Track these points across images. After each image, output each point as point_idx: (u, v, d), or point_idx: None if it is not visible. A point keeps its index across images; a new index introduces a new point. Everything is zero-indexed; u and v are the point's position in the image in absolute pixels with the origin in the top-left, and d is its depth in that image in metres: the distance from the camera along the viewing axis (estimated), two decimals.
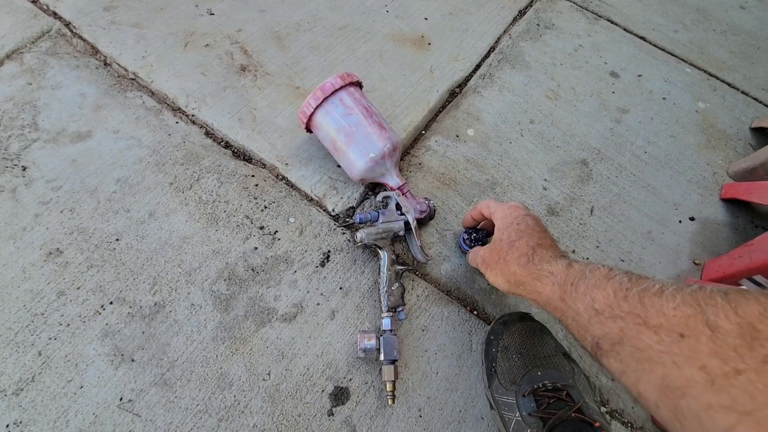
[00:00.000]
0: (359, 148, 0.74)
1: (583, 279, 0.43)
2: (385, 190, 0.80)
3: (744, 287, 0.77)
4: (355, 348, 0.70)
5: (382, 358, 0.64)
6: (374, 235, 0.72)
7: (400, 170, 0.87)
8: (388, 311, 0.68)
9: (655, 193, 0.94)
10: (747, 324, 0.28)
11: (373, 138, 0.74)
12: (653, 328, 0.34)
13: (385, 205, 0.77)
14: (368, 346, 0.64)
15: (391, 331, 0.66)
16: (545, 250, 0.53)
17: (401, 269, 0.72)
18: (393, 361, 0.64)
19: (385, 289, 0.69)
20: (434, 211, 0.80)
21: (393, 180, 0.78)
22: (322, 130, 0.78)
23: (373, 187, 0.85)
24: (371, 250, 0.78)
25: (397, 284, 0.70)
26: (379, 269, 0.71)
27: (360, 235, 0.72)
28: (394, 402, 0.64)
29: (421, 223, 0.80)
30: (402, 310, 0.69)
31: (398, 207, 0.75)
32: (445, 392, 0.68)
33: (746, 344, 0.27)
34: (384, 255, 0.71)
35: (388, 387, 0.64)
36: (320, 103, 0.74)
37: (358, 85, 0.80)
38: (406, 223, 0.74)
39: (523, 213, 0.59)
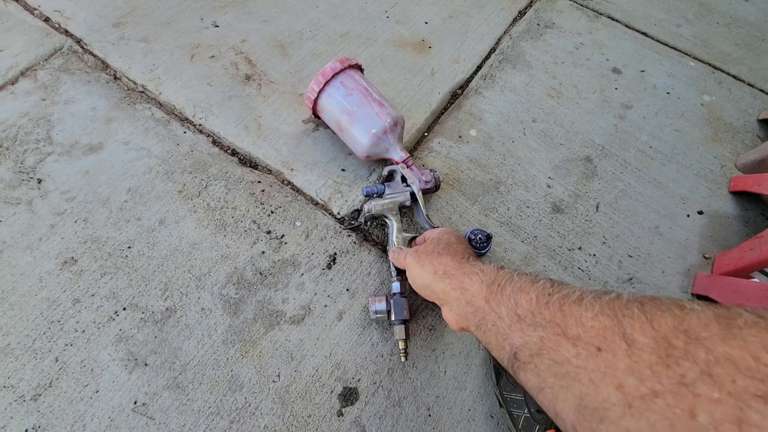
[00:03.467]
0: (362, 125, 0.78)
1: (510, 282, 0.41)
2: (390, 164, 0.83)
3: (756, 279, 0.76)
4: (363, 348, 0.70)
5: (393, 318, 0.67)
6: (381, 206, 0.75)
7: None
8: (398, 275, 0.70)
9: (661, 188, 0.94)
10: (662, 338, 0.26)
11: (374, 115, 0.78)
12: (571, 340, 0.32)
13: (391, 179, 0.80)
14: (379, 308, 0.67)
15: (401, 293, 0.68)
16: (479, 259, 0.55)
17: (409, 236, 0.74)
18: (403, 321, 0.66)
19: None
20: (440, 182, 0.82)
21: (397, 154, 0.81)
22: (327, 113, 0.82)
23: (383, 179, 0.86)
24: (378, 224, 0.82)
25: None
26: (388, 236, 0.74)
27: (367, 206, 0.75)
28: (407, 359, 0.67)
29: (427, 193, 0.82)
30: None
31: (403, 180, 0.79)
32: (454, 391, 0.69)
33: (662, 361, 0.26)
34: (392, 222, 0.74)
35: (401, 345, 0.67)
36: (323, 87, 0.79)
37: (358, 68, 0.84)
38: (412, 194, 0.77)
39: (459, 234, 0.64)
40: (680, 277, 0.83)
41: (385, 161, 0.87)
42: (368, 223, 0.82)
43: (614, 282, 0.81)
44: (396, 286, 0.69)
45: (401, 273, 0.70)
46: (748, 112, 1.09)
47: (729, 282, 0.77)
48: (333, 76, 0.78)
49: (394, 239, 0.73)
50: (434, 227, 0.76)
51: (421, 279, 0.55)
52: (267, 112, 0.94)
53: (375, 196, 0.78)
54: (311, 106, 0.82)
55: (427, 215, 0.76)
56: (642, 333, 0.28)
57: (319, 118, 0.86)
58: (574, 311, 0.33)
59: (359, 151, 0.81)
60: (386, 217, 0.75)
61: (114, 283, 0.73)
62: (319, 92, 0.79)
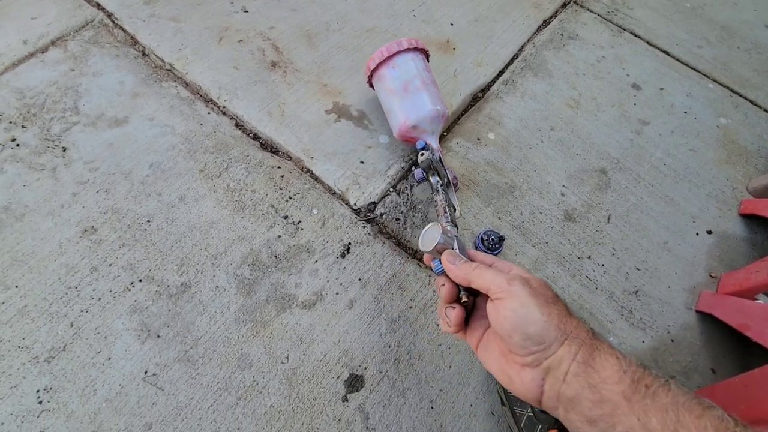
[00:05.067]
0: (431, 96, 0.83)
1: (666, 390, 0.33)
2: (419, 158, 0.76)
3: (761, 301, 0.77)
4: (371, 337, 0.72)
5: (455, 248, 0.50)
6: (437, 161, 0.72)
7: None
8: (449, 222, 0.60)
9: (673, 205, 0.95)
10: None
11: (440, 98, 0.85)
12: None
13: (429, 165, 0.73)
14: (448, 240, 0.48)
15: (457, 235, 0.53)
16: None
17: (453, 204, 0.73)
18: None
19: (446, 204, 0.63)
20: (458, 184, 0.86)
21: (435, 143, 0.85)
22: (398, 70, 0.84)
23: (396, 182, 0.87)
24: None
25: (452, 209, 0.68)
26: (437, 190, 0.68)
27: (427, 154, 0.71)
28: (467, 299, 0.47)
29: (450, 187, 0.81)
30: (457, 232, 0.57)
31: (435, 168, 0.73)
32: (458, 386, 0.70)
33: None
34: (438, 179, 0.71)
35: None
36: (406, 49, 0.84)
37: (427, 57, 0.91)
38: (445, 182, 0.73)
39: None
40: (685, 294, 0.84)
41: (412, 150, 0.89)
42: (383, 216, 0.83)
43: (620, 293, 0.82)
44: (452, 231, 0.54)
45: (453, 223, 0.59)
46: (763, 137, 1.10)
47: (733, 302, 0.78)
48: (418, 49, 0.85)
49: (445, 192, 0.66)
50: (460, 213, 0.77)
51: (542, 332, 0.37)
52: (291, 99, 0.95)
53: (429, 150, 0.73)
54: (388, 55, 0.84)
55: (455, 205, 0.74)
56: None
57: (371, 78, 0.88)
58: None
59: (412, 118, 0.82)
60: (438, 175, 0.71)
61: (132, 254, 0.74)
62: (401, 52, 0.83)
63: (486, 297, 0.40)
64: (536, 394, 0.37)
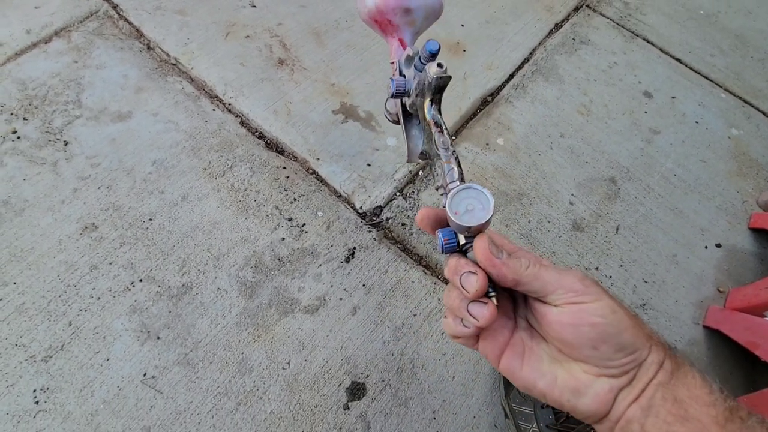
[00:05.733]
0: None
1: (763, 427, 0.30)
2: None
3: (767, 320, 0.76)
4: (374, 345, 0.70)
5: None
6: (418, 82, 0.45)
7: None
8: (462, 178, 0.39)
9: (682, 217, 0.93)
10: None
11: None
12: None
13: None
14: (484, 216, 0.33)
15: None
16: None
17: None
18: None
19: (444, 135, 0.41)
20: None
21: (411, 48, 0.50)
22: None
23: (401, 189, 0.86)
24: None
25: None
26: (429, 120, 0.43)
27: (444, 65, 0.41)
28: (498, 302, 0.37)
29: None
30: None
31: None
32: (461, 397, 0.69)
33: None
34: (432, 113, 0.43)
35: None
36: None
37: None
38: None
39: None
40: (693, 308, 0.83)
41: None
42: (389, 221, 0.82)
43: (627, 306, 0.81)
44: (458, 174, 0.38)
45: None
46: None
47: (742, 318, 0.77)
48: None
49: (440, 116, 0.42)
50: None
51: (634, 339, 0.31)
52: (297, 98, 0.94)
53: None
54: None
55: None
56: None
57: None
58: None
59: None
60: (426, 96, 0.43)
61: (132, 253, 0.73)
62: None
63: (510, 292, 0.33)
64: (604, 406, 0.32)
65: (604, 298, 0.31)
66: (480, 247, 0.32)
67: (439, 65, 0.41)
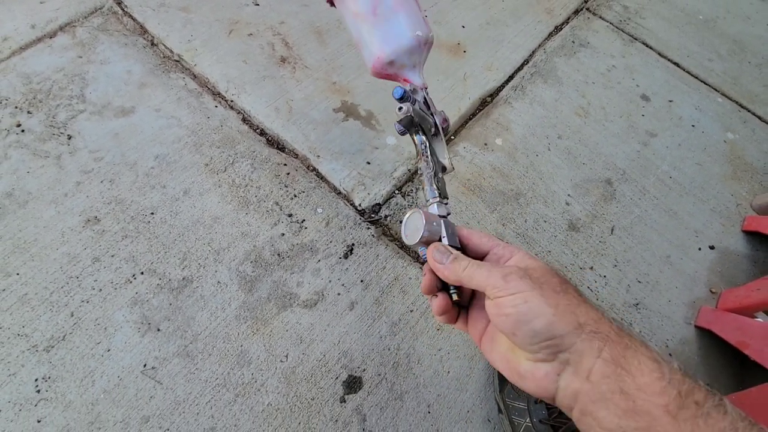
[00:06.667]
0: (407, 20, 0.62)
1: (719, 410, 0.29)
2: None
3: (760, 319, 0.77)
4: (371, 339, 0.72)
5: (446, 242, 0.47)
6: (419, 112, 0.57)
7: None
8: (437, 197, 0.52)
9: (676, 219, 0.95)
10: None
11: (422, 19, 0.64)
12: None
13: (410, 122, 0.58)
14: (434, 228, 0.45)
15: (445, 216, 0.50)
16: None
17: (442, 163, 0.58)
18: (456, 248, 0.47)
19: (431, 170, 0.54)
20: (449, 126, 0.63)
21: (419, 78, 0.65)
22: None
23: (400, 187, 0.87)
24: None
25: (441, 174, 0.57)
26: (420, 154, 0.56)
27: (406, 106, 0.56)
28: (460, 297, 0.45)
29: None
30: (447, 203, 0.53)
31: (418, 124, 0.58)
32: (455, 392, 0.70)
33: None
34: (424, 138, 0.57)
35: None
36: None
37: None
38: (435, 125, 0.59)
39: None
40: (685, 308, 0.84)
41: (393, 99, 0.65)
42: (387, 218, 0.83)
43: (621, 305, 0.82)
44: (434, 209, 0.50)
45: (441, 195, 0.51)
46: None
47: (733, 319, 0.79)
48: None
49: (431, 159, 0.54)
50: (452, 170, 0.57)
51: (550, 325, 0.33)
52: (299, 96, 0.95)
53: (410, 102, 0.58)
54: None
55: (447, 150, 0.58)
56: None
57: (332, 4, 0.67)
58: None
59: (387, 51, 0.62)
60: (423, 130, 0.57)
61: (134, 246, 0.74)
62: None
63: None
64: (550, 391, 0.34)
65: (523, 291, 0.35)
66: (427, 255, 0.40)
67: (399, 108, 0.55)
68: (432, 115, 0.61)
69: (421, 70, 0.67)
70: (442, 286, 0.41)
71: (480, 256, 0.43)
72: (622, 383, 0.31)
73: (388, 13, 0.62)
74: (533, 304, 0.34)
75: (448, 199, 0.54)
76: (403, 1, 0.63)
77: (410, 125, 0.58)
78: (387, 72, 0.67)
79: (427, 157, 0.55)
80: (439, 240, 0.44)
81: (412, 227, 0.42)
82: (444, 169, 0.61)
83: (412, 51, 0.64)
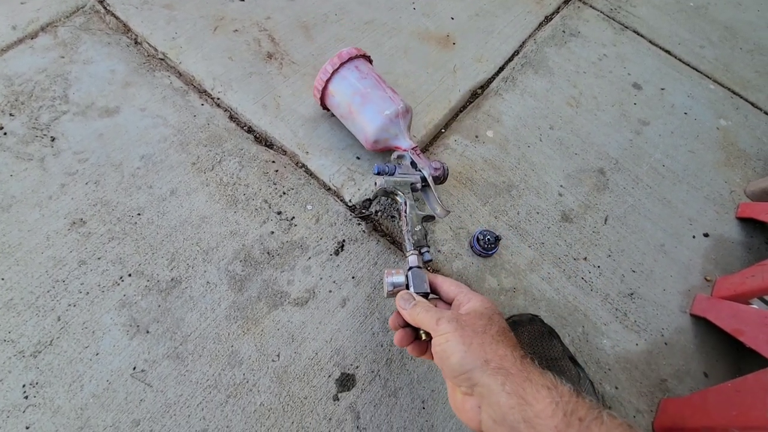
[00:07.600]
0: (375, 107, 0.77)
1: (598, 422, 0.33)
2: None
3: (755, 306, 0.77)
4: (364, 336, 0.71)
5: (412, 290, 0.56)
6: (393, 182, 0.71)
7: None
8: (413, 249, 0.62)
9: (670, 207, 0.94)
10: None
11: (388, 98, 0.78)
12: None
13: (384, 192, 0.74)
14: (396, 281, 0.57)
15: (418, 267, 0.59)
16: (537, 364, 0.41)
17: (422, 214, 0.69)
18: (425, 295, 0.56)
19: (409, 228, 0.65)
20: (447, 173, 0.80)
21: (405, 142, 0.80)
22: (338, 96, 0.80)
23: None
24: (388, 215, 0.82)
25: (419, 226, 0.66)
26: (400, 213, 0.69)
27: (380, 180, 0.71)
28: (429, 338, 0.53)
29: (436, 181, 0.79)
30: (427, 251, 0.64)
31: (413, 165, 0.77)
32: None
33: None
34: (404, 198, 0.70)
35: None
36: (337, 69, 0.78)
37: (368, 59, 0.84)
38: (423, 179, 0.75)
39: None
40: (680, 297, 0.84)
41: (391, 153, 0.85)
42: (378, 213, 0.82)
43: (615, 295, 0.82)
44: (412, 260, 0.60)
45: (417, 247, 0.63)
46: (763, 140, 1.10)
47: (728, 306, 0.78)
48: (348, 60, 0.78)
49: (408, 215, 0.67)
50: (447, 213, 0.75)
51: (462, 361, 0.40)
52: (286, 92, 0.94)
53: (387, 174, 0.72)
54: (321, 88, 0.81)
55: (439, 198, 0.75)
56: None
57: (325, 107, 0.86)
58: None
59: (368, 135, 0.79)
60: (398, 193, 0.71)
61: (121, 248, 0.73)
62: (333, 73, 0.78)
63: None
64: (476, 423, 0.40)
65: (447, 333, 0.43)
66: (396, 301, 0.53)
67: (376, 183, 0.71)
68: (420, 170, 0.76)
69: (406, 135, 0.81)
70: (405, 324, 0.53)
71: (450, 301, 0.52)
72: (524, 413, 0.35)
73: (359, 109, 0.78)
74: (452, 343, 0.41)
75: (429, 247, 0.66)
76: (367, 94, 0.80)
77: (384, 194, 0.74)
78: (379, 147, 0.83)
79: (405, 215, 0.68)
80: (407, 288, 0.56)
81: (385, 283, 0.57)
82: (432, 218, 0.75)
83: (387, 127, 0.78)
